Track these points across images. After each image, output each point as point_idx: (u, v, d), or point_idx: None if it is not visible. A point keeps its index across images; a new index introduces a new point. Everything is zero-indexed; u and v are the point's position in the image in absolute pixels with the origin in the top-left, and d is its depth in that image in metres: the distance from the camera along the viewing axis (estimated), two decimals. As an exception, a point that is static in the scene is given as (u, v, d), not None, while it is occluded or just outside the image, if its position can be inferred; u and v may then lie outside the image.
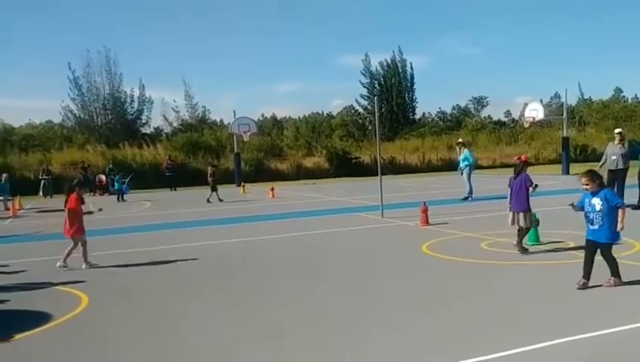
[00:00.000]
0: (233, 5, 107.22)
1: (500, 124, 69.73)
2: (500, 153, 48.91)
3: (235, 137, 35.45)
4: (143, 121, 57.64)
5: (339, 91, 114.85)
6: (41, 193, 30.30)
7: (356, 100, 68.59)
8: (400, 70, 66.33)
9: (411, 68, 66.77)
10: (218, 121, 63.54)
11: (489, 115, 77.11)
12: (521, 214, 9.25)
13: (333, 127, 66.98)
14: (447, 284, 7.45)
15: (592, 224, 6.85)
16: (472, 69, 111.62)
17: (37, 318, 6.49)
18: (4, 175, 25.52)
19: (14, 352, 5.44)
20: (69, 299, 7.41)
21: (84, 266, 9.60)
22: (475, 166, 21.39)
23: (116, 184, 27.92)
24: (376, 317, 6.03)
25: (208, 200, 22.30)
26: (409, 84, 67.14)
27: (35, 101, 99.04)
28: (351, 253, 10.22)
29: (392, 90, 65.38)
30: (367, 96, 66.06)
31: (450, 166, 37.22)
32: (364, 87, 66.80)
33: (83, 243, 9.76)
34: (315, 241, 11.55)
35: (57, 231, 15.19)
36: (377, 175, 15.75)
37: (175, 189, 31.98)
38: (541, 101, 37.43)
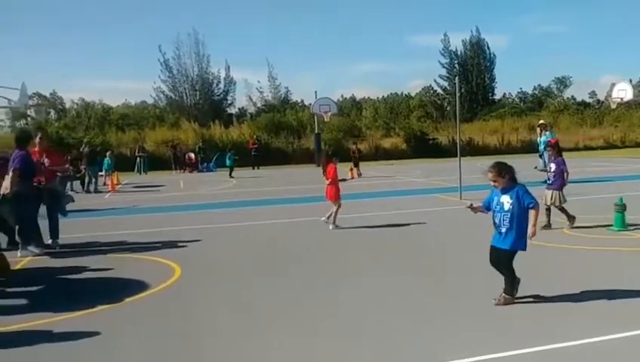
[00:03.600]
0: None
1: (583, 104, 66.45)
2: (583, 135, 46.73)
3: (315, 117, 35.68)
4: (229, 102, 59.07)
5: (417, 72, 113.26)
6: (136, 170, 31.74)
7: (435, 81, 67.31)
8: (479, 50, 64.44)
9: (488, 47, 64.73)
10: (299, 101, 64.22)
11: (572, 96, 73.64)
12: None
13: (411, 107, 66.07)
14: (528, 268, 7.25)
15: (499, 227, 5.61)
16: (555, 47, 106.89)
17: (133, 287, 6.87)
18: (109, 152, 26.88)
19: (107, 319, 5.75)
20: (163, 270, 7.77)
21: (330, 227, 10.60)
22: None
23: (228, 161, 28.16)
24: (456, 300, 5.98)
25: (360, 175, 23.37)
26: (488, 64, 65.14)
27: (130, 82, 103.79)
28: (430, 233, 10.14)
29: (473, 70, 63.61)
30: (447, 77, 64.67)
31: (531, 148, 35.92)
32: (444, 67, 65.45)
33: (338, 206, 10.73)
34: (395, 221, 11.48)
35: (153, 205, 15.98)
36: (454, 156, 15.45)
37: (258, 168, 32.64)
38: (630, 81, 35.40)
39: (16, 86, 21.39)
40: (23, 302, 6.54)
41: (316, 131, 35.81)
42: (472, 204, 5.99)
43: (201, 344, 4.93)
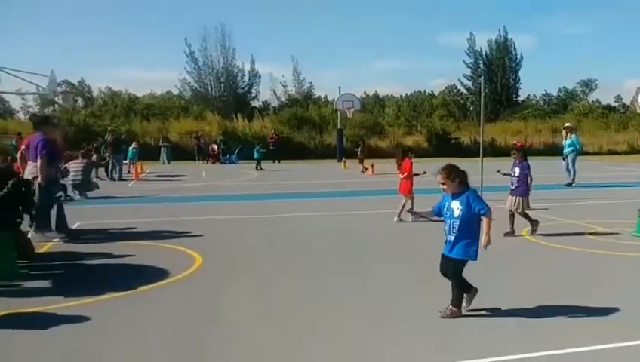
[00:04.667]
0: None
1: (608, 108, 65.33)
2: (607, 139, 46.00)
3: (338, 113, 35.60)
4: (253, 95, 59.18)
5: (441, 71, 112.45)
6: (160, 159, 31.95)
7: (459, 80, 66.62)
8: (505, 50, 63.58)
9: (514, 48, 63.74)
10: (322, 96, 64.13)
11: (597, 99, 72.45)
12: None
13: (434, 106, 65.53)
14: (547, 272, 7.16)
15: (449, 234, 5.23)
16: (581, 49, 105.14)
17: (157, 274, 6.92)
18: (134, 143, 27.12)
19: (138, 303, 5.84)
20: (184, 258, 7.81)
21: (410, 218, 10.54)
22: (580, 152, 20.26)
23: (255, 153, 28.01)
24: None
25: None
26: (514, 65, 64.26)
27: (156, 73, 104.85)
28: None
29: (498, 70, 62.81)
30: (471, 76, 63.94)
31: (555, 150, 35.46)
32: (468, 66, 64.58)
33: (412, 199, 10.96)
34: (409, 220, 11.40)
35: (174, 195, 16.09)
36: (475, 156, 15.31)
37: (279, 161, 32.63)
38: (657, 86, 34.65)
39: (45, 73, 21.52)
40: (44, 285, 6.61)
41: (339, 127, 35.72)
42: (411, 209, 5.54)
43: (215, 334, 4.93)
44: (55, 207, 9.62)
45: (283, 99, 62.28)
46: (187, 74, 55.47)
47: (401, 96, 73.71)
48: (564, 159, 18.37)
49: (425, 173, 11.60)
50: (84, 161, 15.84)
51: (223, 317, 5.39)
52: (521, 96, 67.81)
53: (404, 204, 10.86)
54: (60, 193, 10.84)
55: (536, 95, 75.00)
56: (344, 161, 29.04)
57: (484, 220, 5.15)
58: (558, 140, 26.11)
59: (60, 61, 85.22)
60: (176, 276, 6.84)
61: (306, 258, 7.97)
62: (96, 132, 32.63)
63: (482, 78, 20.12)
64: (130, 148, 26.29)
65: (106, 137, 24.14)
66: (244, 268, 7.39)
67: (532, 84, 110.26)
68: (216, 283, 6.59)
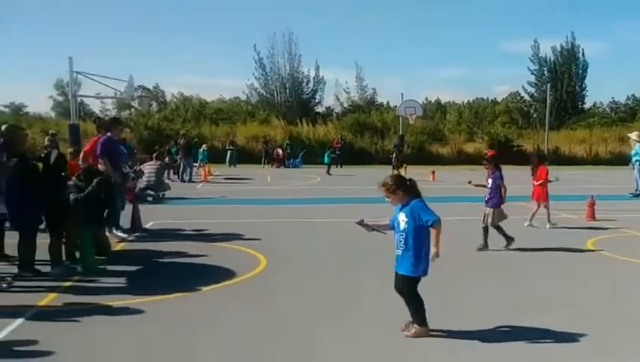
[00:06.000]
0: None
1: (680, 117, 61.79)
2: (679, 149, 43.42)
3: (400, 119, 35.28)
4: (317, 101, 59.34)
5: (504, 77, 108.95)
6: (227, 162, 32.58)
7: (522, 87, 64.53)
8: (572, 57, 61.08)
9: (583, 55, 61.04)
10: (384, 103, 63.71)
11: (668, 108, 68.60)
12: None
13: (496, 113, 63.88)
14: (612, 285, 6.84)
15: (397, 248, 4.85)
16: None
17: (222, 274, 7.07)
18: (204, 145, 27.77)
19: (197, 303, 5.96)
20: (250, 260, 7.93)
21: (547, 226, 10.99)
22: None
23: (326, 158, 28.15)
24: (532, 312, 5.71)
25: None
26: (580, 72, 61.63)
27: (225, 79, 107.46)
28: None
29: (563, 78, 60.41)
30: (535, 83, 61.81)
31: (622, 160, 33.85)
32: (532, 73, 62.24)
33: (547, 206, 11.13)
34: (470, 227, 11.14)
35: (240, 197, 16.36)
36: (540, 165, 14.72)
37: (341, 166, 32.59)
38: None
39: (123, 78, 22.41)
40: (117, 281, 6.88)
41: (400, 133, 35.37)
42: (362, 221, 5.07)
43: (280, 336, 4.98)
44: (131, 207, 9.99)
45: (346, 105, 62.23)
46: (255, 80, 56.27)
47: (463, 102, 72.42)
48: (633, 168, 17.55)
49: (557, 179, 11.51)
50: (158, 162, 16.34)
51: (281, 320, 5.42)
52: (587, 104, 65.10)
53: (537, 210, 11.11)
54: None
55: (603, 103, 71.95)
56: (405, 167, 28.69)
57: (432, 231, 4.68)
58: (625, 149, 24.86)
59: (136, 66, 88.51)
60: (242, 277, 6.96)
61: (369, 262, 7.88)
62: (168, 135, 33.58)
63: (547, 85, 19.49)
64: (201, 150, 26.88)
65: (178, 140, 24.80)
66: (307, 270, 7.44)
67: (599, 90, 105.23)
68: (279, 285, 6.65)
